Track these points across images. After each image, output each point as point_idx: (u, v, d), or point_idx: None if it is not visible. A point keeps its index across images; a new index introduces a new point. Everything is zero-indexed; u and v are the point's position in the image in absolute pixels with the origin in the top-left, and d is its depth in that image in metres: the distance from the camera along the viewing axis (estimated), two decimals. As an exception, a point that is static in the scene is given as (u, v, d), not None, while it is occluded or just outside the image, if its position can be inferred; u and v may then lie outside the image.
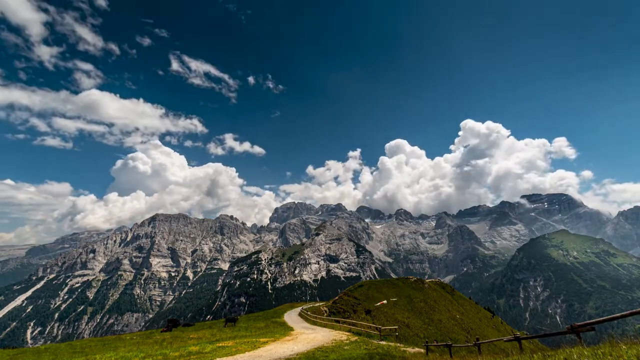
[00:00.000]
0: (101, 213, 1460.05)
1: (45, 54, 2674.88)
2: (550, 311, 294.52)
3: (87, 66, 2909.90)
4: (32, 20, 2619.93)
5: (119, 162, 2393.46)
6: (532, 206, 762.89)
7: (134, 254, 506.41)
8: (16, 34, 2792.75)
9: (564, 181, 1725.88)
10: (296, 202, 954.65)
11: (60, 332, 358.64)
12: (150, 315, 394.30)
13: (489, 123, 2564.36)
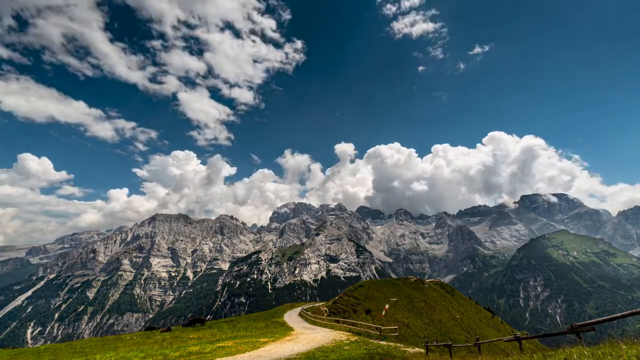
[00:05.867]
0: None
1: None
2: (550, 311, 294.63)
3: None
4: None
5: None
6: (532, 206, 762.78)
7: (134, 254, 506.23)
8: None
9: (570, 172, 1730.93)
10: (296, 202, 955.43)
11: (60, 332, 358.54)
12: (151, 315, 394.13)
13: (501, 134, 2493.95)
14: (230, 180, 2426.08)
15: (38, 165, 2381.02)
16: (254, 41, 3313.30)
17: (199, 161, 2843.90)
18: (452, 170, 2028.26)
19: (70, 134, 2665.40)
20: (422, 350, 21.79)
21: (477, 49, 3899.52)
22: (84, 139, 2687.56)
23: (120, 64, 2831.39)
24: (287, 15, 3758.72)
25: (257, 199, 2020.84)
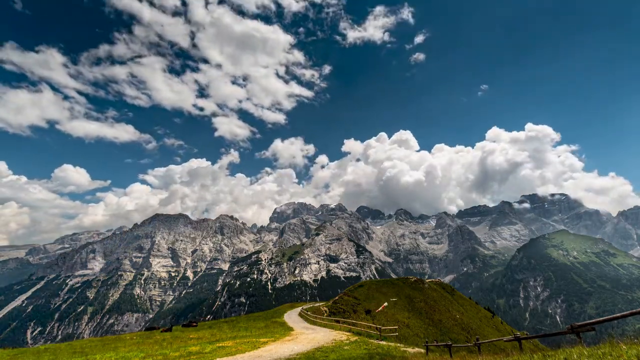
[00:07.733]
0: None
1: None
2: (550, 311, 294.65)
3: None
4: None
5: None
6: (532, 206, 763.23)
7: (134, 254, 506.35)
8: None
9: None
10: (296, 202, 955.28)
11: (60, 332, 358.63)
12: (151, 315, 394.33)
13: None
14: (239, 185, 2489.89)
15: (74, 173, 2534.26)
16: (290, 84, 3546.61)
17: (209, 162, 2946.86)
18: (452, 169, 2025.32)
19: (112, 149, 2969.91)
20: (422, 350, 21.78)
21: (476, 88, 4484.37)
22: (128, 154, 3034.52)
23: (172, 95, 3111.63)
24: (328, 68, 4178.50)
25: (259, 196, 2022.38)
